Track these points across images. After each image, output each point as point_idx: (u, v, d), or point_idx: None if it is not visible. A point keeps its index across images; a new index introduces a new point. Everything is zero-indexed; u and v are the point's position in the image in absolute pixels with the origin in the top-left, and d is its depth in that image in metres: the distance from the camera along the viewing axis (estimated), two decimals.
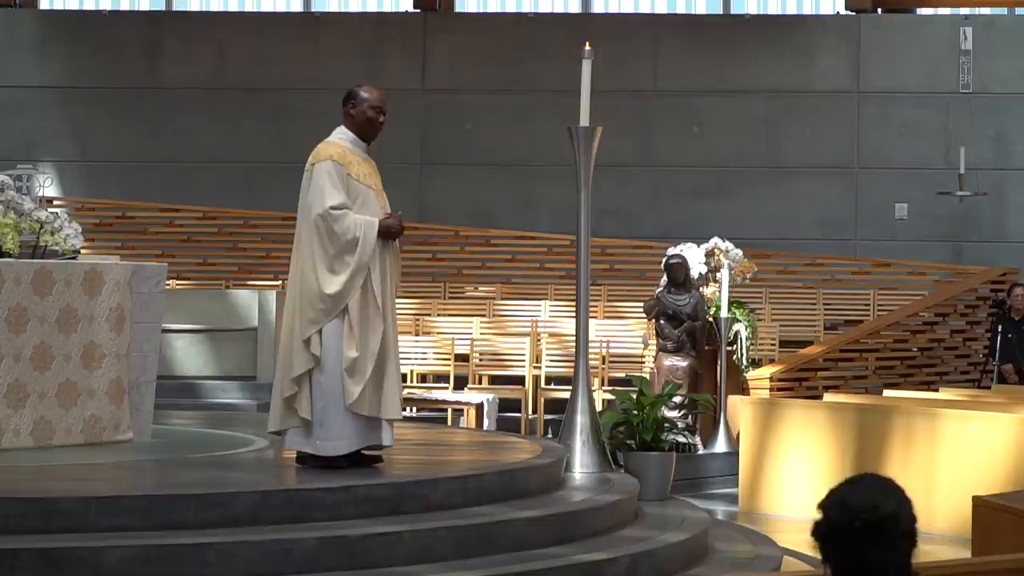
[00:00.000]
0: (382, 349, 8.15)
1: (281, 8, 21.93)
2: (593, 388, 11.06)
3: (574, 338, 10.50)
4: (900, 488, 3.73)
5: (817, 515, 3.71)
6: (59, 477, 8.24)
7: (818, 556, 3.74)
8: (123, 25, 21.18)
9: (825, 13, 21.26)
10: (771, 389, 15.48)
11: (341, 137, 8.40)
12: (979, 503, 8.31)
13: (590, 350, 11.60)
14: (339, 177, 8.19)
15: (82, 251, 10.38)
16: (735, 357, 15.45)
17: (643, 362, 16.27)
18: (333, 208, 8.13)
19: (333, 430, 8.14)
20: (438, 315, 18.27)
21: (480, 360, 16.68)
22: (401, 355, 17.05)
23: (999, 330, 16.20)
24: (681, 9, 21.49)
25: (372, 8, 21.88)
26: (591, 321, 13.33)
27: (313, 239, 8.15)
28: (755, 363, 16.32)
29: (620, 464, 10.28)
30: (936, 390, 14.33)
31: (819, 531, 3.69)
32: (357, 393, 8.07)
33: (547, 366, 16.58)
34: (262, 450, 9.35)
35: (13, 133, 20.71)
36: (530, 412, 16.06)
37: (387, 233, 8.21)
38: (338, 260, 8.11)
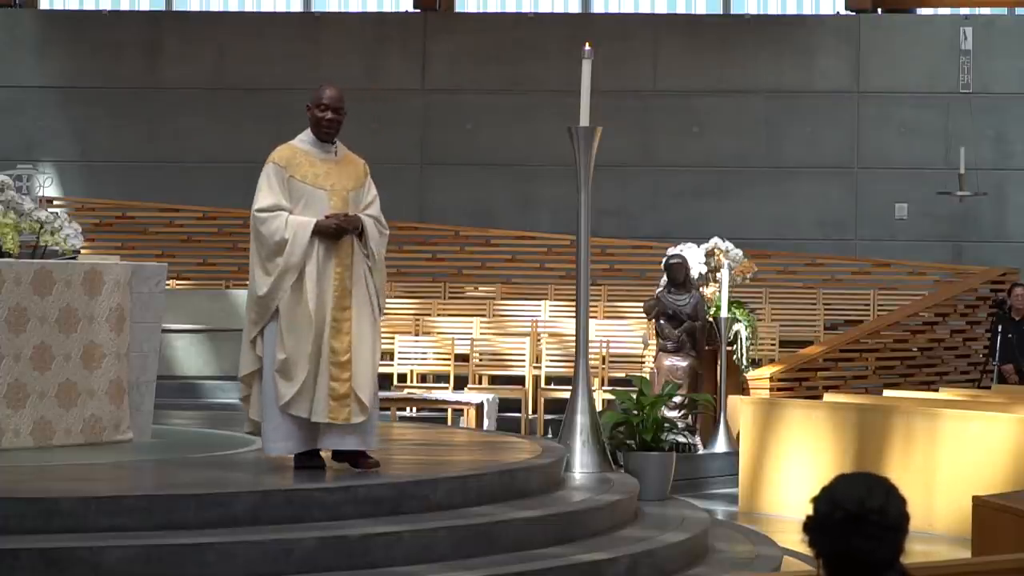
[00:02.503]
0: (316, 350, 8.01)
1: (281, 8, 21.93)
2: (593, 388, 11.06)
3: (574, 338, 10.50)
4: (893, 486, 3.75)
5: (809, 510, 3.76)
6: (59, 477, 8.24)
7: (811, 553, 3.78)
8: (123, 25, 21.17)
9: (825, 13, 21.26)
10: (771, 389, 15.47)
11: (302, 139, 8.35)
12: (979, 503, 8.31)
13: (590, 350, 11.59)
14: (277, 179, 8.14)
15: (82, 251, 10.39)
16: (735, 357, 15.45)
17: (643, 362, 16.26)
18: (259, 211, 8.09)
19: (269, 431, 8.14)
20: (438, 315, 18.26)
21: (480, 360, 16.68)
22: (401, 355, 17.08)
23: (999, 330, 16.19)
24: (681, 9, 21.49)
25: (372, 8, 21.88)
26: (591, 321, 13.33)
27: (252, 241, 8.17)
28: (755, 363, 16.32)
29: (620, 464, 10.29)
30: (936, 390, 14.32)
31: (808, 524, 3.74)
32: (288, 395, 7.99)
33: (547, 366, 16.58)
34: (262, 450, 9.34)
35: (13, 133, 20.71)
36: (530, 412, 16.06)
37: (324, 233, 8.08)
38: (269, 261, 8.06)
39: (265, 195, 8.12)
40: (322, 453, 8.26)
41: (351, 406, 8.05)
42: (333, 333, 8.06)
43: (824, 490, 3.76)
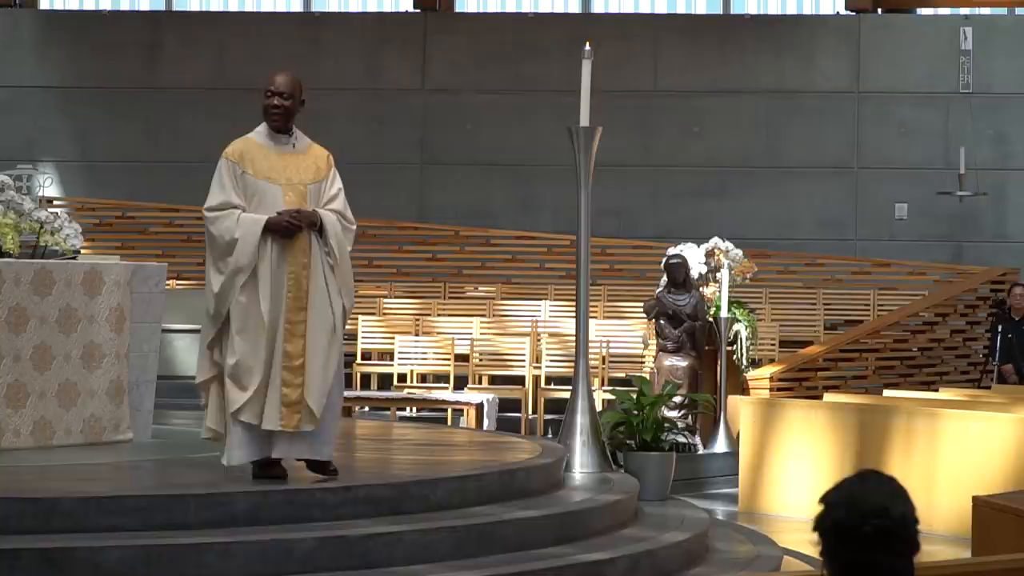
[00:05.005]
0: (269, 354, 7.62)
1: (281, 8, 21.93)
2: (593, 388, 11.06)
3: (574, 338, 10.50)
4: (904, 488, 3.71)
5: (820, 509, 3.67)
6: (59, 477, 8.23)
7: (818, 552, 3.70)
8: (123, 25, 21.18)
9: (825, 13, 21.26)
10: (771, 389, 15.47)
11: (258, 131, 7.98)
12: (979, 503, 8.31)
13: (590, 350, 11.59)
14: (229, 175, 7.75)
15: (82, 251, 10.39)
16: (735, 357, 15.44)
17: (643, 362, 16.26)
18: (209, 209, 7.74)
19: (230, 438, 7.71)
20: (438, 315, 18.26)
21: (480, 360, 16.67)
22: (401, 355, 17.03)
23: (999, 330, 16.19)
24: (681, 9, 21.50)
25: (372, 8, 21.88)
26: (591, 321, 13.33)
27: (206, 241, 7.82)
28: (755, 363, 16.31)
29: (620, 464, 10.29)
30: (936, 390, 14.32)
31: (824, 527, 3.65)
32: (241, 401, 7.60)
33: (547, 366, 16.57)
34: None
35: (13, 133, 20.71)
36: (530, 412, 16.06)
37: (275, 231, 7.65)
38: (221, 262, 7.69)
39: (215, 193, 7.75)
40: (283, 463, 7.83)
41: (301, 413, 7.65)
42: (287, 336, 7.65)
43: (840, 493, 3.64)
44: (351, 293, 7.93)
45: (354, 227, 7.95)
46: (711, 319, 14.99)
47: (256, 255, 7.65)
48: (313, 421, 7.67)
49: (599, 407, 13.51)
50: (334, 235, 7.79)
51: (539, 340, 16.97)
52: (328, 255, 7.79)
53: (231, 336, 7.65)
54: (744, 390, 15.35)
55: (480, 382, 16.52)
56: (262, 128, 7.96)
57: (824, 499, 3.66)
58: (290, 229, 7.67)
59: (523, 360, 16.56)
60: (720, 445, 14.63)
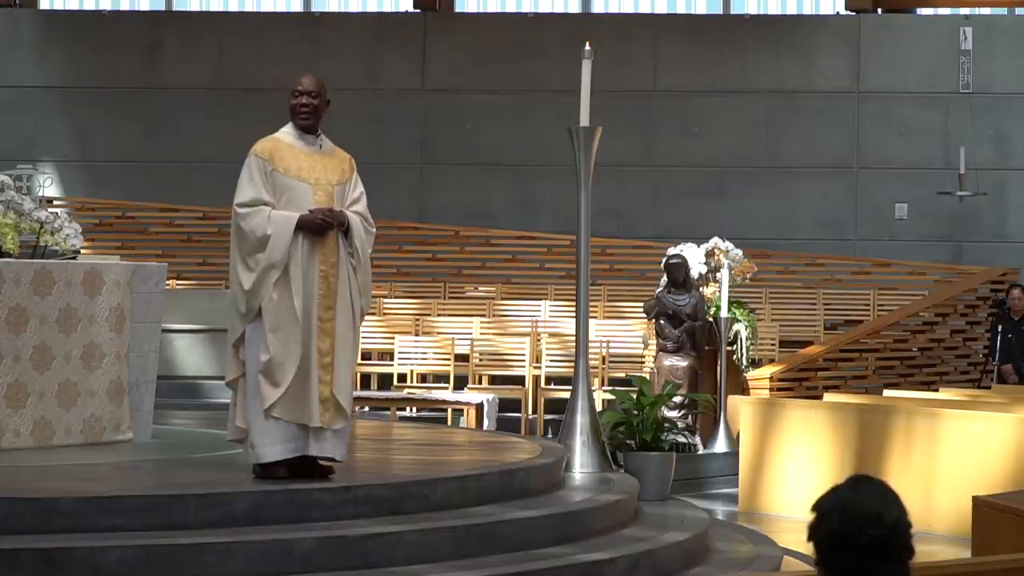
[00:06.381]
0: (306, 351, 7.67)
1: (281, 8, 21.93)
2: (593, 388, 11.06)
3: (574, 338, 10.50)
4: (895, 493, 3.69)
5: (812, 516, 3.64)
6: (59, 477, 8.23)
7: (813, 561, 3.69)
8: (123, 25, 21.18)
9: (825, 13, 21.26)
10: (771, 389, 15.47)
11: (286, 131, 8.05)
12: (979, 503, 8.31)
13: (590, 350, 11.60)
14: (259, 172, 7.84)
15: (82, 251, 10.39)
16: (735, 357, 15.45)
17: (643, 362, 16.26)
18: (240, 205, 7.83)
19: (255, 436, 7.72)
20: (438, 315, 18.26)
21: (480, 360, 16.67)
22: (401, 355, 17.03)
23: (999, 330, 16.19)
24: (681, 9, 21.50)
25: (372, 8, 21.89)
26: (591, 321, 13.33)
27: (233, 237, 7.88)
28: (755, 363, 16.32)
29: (620, 464, 10.30)
30: (936, 390, 14.32)
31: (818, 536, 3.63)
32: (274, 397, 7.64)
33: (547, 366, 16.58)
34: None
35: (13, 133, 20.71)
36: (530, 412, 16.06)
37: (308, 228, 7.74)
38: (251, 259, 7.78)
39: (246, 189, 7.85)
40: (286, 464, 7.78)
41: (331, 411, 7.72)
42: (319, 334, 7.72)
43: (832, 501, 3.61)
44: (368, 294, 8.03)
45: (374, 230, 8.08)
46: (711, 319, 15.00)
47: (288, 252, 7.74)
48: (343, 418, 7.78)
49: (599, 407, 13.50)
50: (358, 236, 7.88)
51: (539, 340, 16.97)
52: (352, 256, 7.88)
53: (264, 334, 7.69)
54: (744, 390, 15.35)
55: (480, 382, 16.52)
56: (289, 128, 8.04)
57: (816, 507, 3.62)
58: (323, 227, 7.77)
59: (523, 360, 16.56)
60: (720, 445, 14.64)
